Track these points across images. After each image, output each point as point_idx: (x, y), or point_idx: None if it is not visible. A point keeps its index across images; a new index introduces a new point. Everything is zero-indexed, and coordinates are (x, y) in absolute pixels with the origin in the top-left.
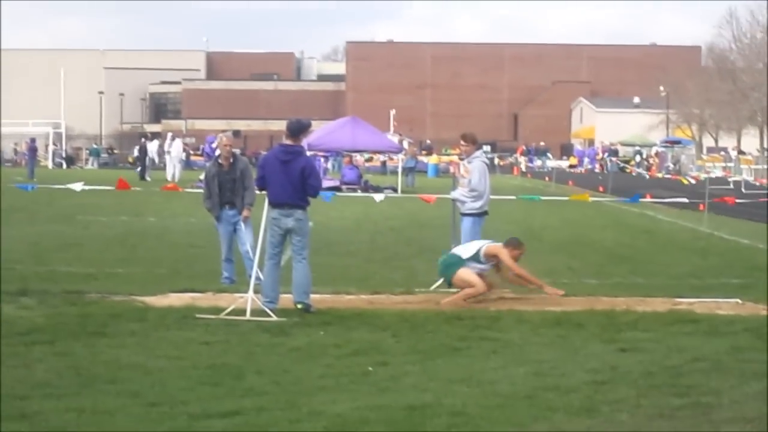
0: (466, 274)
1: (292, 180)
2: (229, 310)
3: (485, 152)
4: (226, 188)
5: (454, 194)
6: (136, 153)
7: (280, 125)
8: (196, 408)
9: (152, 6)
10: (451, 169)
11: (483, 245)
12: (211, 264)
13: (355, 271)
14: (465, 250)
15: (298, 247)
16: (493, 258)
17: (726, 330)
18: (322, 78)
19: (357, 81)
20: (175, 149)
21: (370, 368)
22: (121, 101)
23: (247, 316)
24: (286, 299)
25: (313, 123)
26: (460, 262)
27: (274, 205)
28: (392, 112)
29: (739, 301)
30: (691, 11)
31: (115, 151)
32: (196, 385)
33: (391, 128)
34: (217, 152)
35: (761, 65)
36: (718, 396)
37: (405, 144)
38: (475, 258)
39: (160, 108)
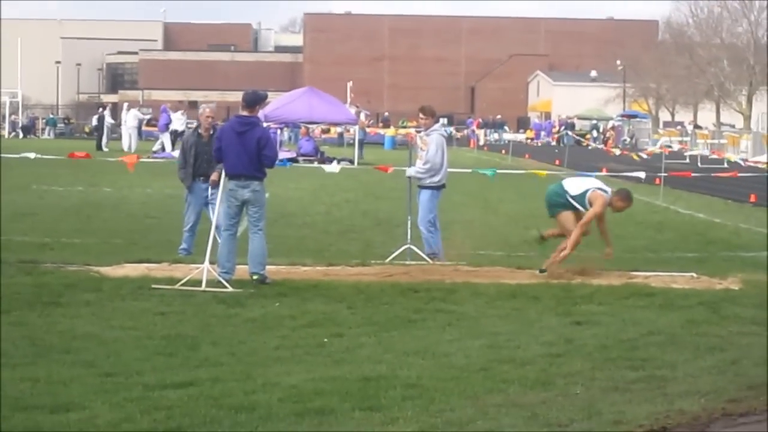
0: (569, 222)
1: (249, 151)
2: (184, 280)
3: (443, 125)
4: (202, 159)
5: (410, 172)
6: (94, 122)
7: (237, 96)
8: (151, 378)
9: None
10: (409, 143)
11: (591, 189)
12: (167, 235)
13: (311, 243)
14: (574, 186)
15: (255, 218)
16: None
17: (681, 304)
18: (279, 49)
19: (314, 53)
20: (131, 119)
21: (326, 340)
22: (78, 71)
23: (203, 287)
24: (242, 270)
25: (270, 95)
26: (566, 202)
27: (230, 176)
28: (349, 84)
29: (694, 275)
30: None
31: (72, 121)
32: (151, 355)
33: (348, 100)
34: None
35: (718, 40)
36: (672, 369)
37: (362, 116)
38: (580, 199)
39: (116, 78)
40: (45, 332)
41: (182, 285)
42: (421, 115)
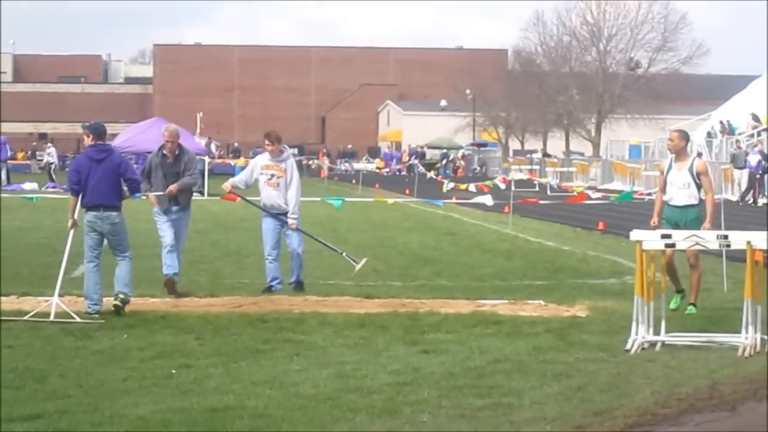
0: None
1: (108, 179)
2: (33, 312)
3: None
4: (169, 181)
5: (275, 203)
6: None
7: None
8: None
9: None
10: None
11: None
12: (15, 267)
13: (159, 274)
14: None
15: (119, 249)
16: None
17: (528, 331)
18: (129, 81)
19: (164, 84)
20: None
21: (174, 371)
22: None
23: (51, 318)
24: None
25: (120, 126)
26: None
27: (89, 207)
28: (199, 115)
29: (542, 302)
30: (498, 14)
31: None
32: None
33: (198, 130)
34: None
35: (567, 68)
36: (519, 396)
37: (213, 147)
38: None
39: None
40: None
41: (31, 317)
42: (266, 142)
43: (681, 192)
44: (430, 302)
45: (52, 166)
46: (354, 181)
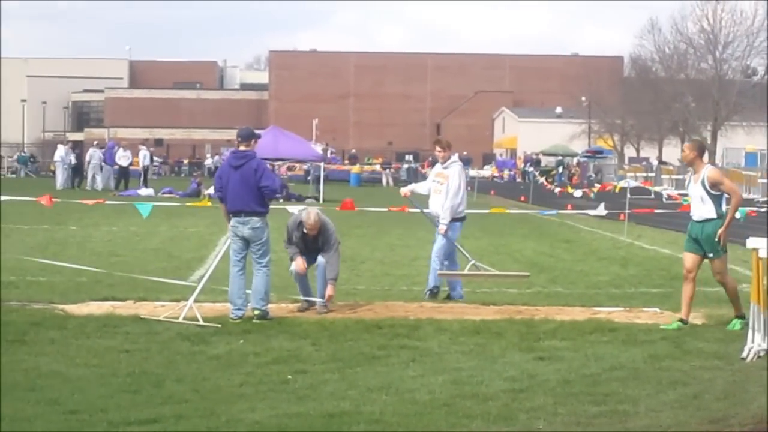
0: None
1: (247, 184)
2: (167, 314)
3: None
4: (310, 249)
5: (443, 217)
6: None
7: (203, 134)
8: (115, 416)
9: (75, 14)
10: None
11: None
12: (132, 272)
13: (274, 280)
14: None
15: (258, 255)
16: None
17: (644, 339)
18: (245, 87)
19: (280, 90)
20: (95, 158)
21: (290, 376)
22: (44, 109)
23: (180, 320)
24: (207, 308)
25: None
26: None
27: (231, 212)
28: (315, 122)
29: (658, 310)
30: (614, 22)
31: (37, 160)
32: (116, 392)
33: (314, 137)
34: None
35: (683, 76)
36: (634, 404)
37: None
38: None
39: (82, 116)
40: (10, 370)
41: (166, 317)
42: (437, 148)
43: (697, 206)
44: (546, 309)
45: (147, 170)
46: (470, 188)
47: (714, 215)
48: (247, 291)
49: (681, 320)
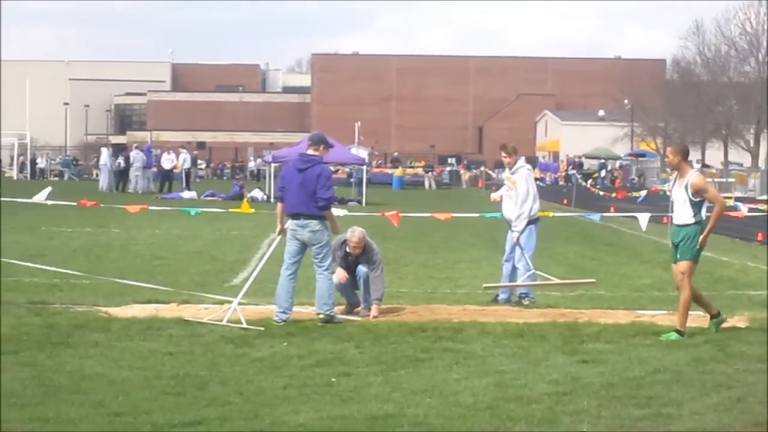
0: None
1: (307, 188)
2: (211, 316)
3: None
4: (351, 268)
5: (516, 225)
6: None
7: (245, 137)
8: (159, 418)
9: (117, 17)
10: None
11: None
12: (175, 275)
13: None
14: None
15: (318, 258)
16: None
17: (687, 342)
18: (287, 90)
19: (322, 93)
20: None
21: (333, 379)
22: (86, 112)
23: (224, 322)
24: (248, 309)
25: (279, 135)
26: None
27: (290, 215)
28: (357, 125)
29: (701, 313)
30: (656, 24)
31: (80, 163)
32: (160, 395)
33: (356, 140)
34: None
35: (725, 79)
36: (678, 407)
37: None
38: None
39: (125, 119)
40: (54, 372)
41: (210, 320)
42: (503, 154)
43: (679, 210)
44: (589, 312)
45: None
46: None
47: (692, 221)
48: (293, 296)
49: (714, 318)
